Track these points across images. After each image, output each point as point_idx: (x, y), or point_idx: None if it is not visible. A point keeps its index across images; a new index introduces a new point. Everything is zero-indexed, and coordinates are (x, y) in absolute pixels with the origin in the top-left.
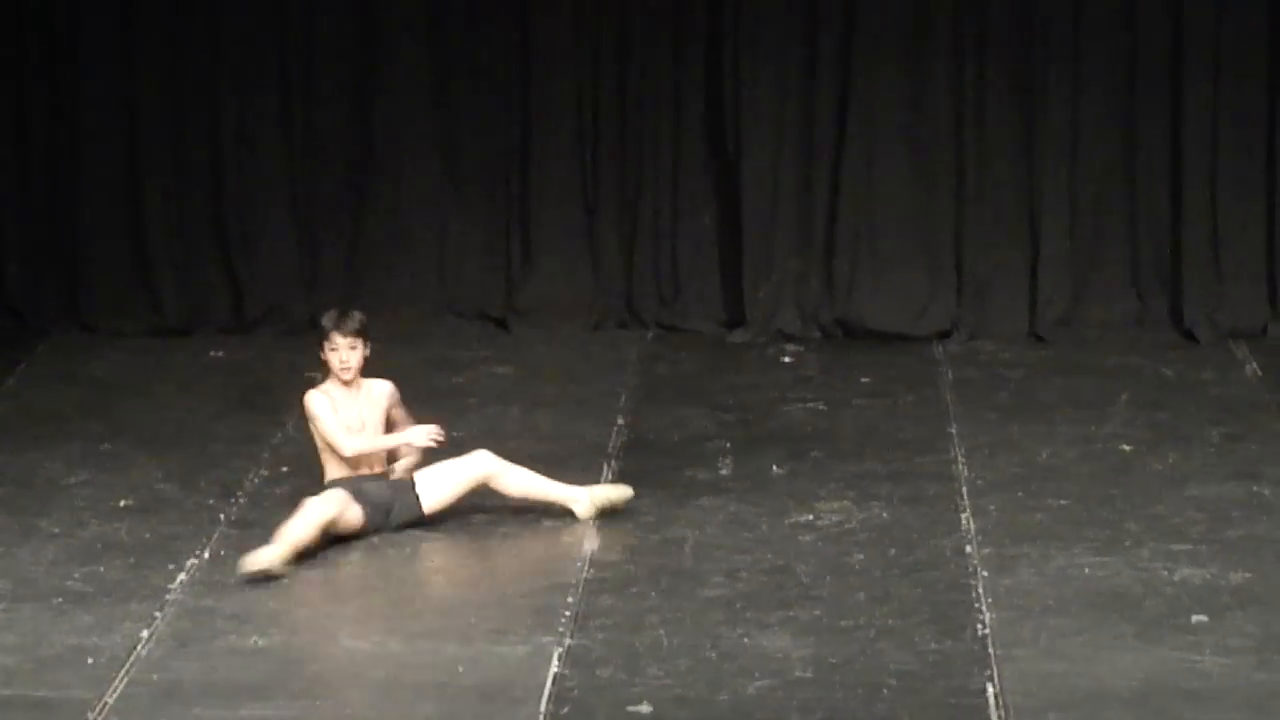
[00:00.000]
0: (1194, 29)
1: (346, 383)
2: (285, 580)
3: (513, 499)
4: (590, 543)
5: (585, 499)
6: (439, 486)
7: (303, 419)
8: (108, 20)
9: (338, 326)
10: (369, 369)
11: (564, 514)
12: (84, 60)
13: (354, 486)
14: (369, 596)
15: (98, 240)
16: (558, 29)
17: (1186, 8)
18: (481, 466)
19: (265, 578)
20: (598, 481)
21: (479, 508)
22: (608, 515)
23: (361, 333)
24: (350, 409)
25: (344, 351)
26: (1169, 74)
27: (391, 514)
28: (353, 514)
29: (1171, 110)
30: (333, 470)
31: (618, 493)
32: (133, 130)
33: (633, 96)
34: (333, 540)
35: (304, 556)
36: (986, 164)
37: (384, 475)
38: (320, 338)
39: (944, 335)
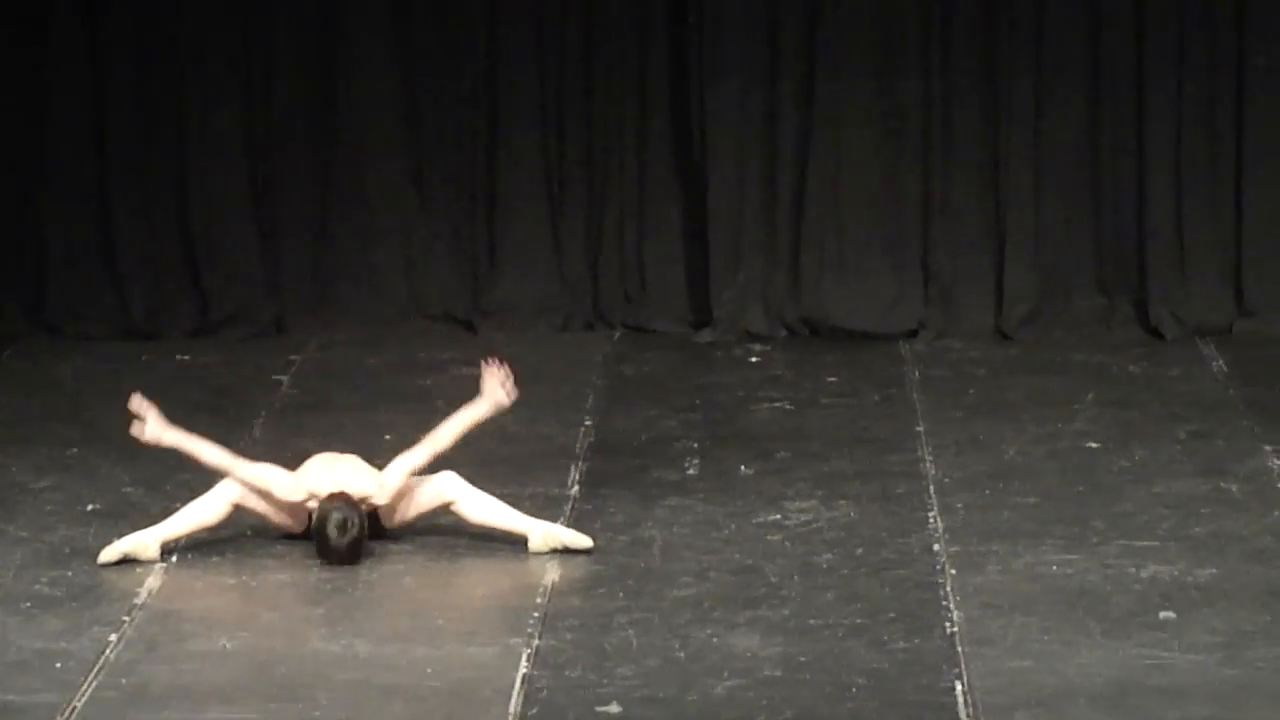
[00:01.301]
0: (1157, 27)
1: None
2: (254, 584)
3: (471, 526)
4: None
5: (540, 533)
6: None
7: None
8: (74, 24)
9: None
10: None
11: (532, 514)
12: (50, 63)
13: None
14: (337, 599)
15: (63, 244)
16: (522, 32)
17: (1149, 7)
18: (446, 490)
19: (128, 561)
20: (565, 486)
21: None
22: (559, 553)
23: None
24: None
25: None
26: (1133, 73)
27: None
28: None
29: (1135, 108)
30: None
31: (574, 539)
32: (98, 133)
33: (598, 98)
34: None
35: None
36: (952, 163)
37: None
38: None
39: (911, 334)
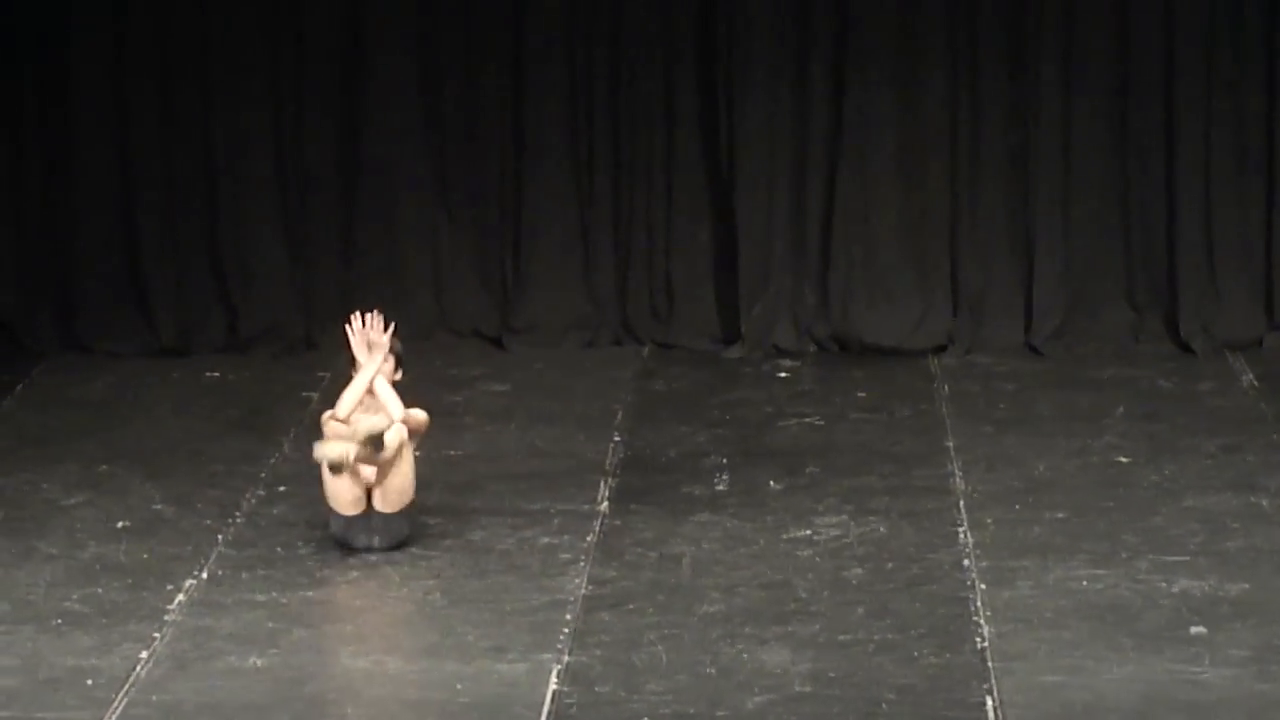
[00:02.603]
0: (1186, 42)
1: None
2: (284, 601)
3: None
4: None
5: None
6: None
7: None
8: (100, 41)
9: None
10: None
11: (561, 531)
12: (76, 81)
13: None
14: (367, 615)
15: (93, 261)
16: (550, 48)
17: (1178, 20)
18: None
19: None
20: (595, 502)
21: (476, 524)
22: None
23: (398, 354)
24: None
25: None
26: (1163, 86)
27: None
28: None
29: (1165, 122)
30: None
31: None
32: (126, 152)
33: (626, 114)
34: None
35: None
36: (980, 178)
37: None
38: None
39: (940, 349)
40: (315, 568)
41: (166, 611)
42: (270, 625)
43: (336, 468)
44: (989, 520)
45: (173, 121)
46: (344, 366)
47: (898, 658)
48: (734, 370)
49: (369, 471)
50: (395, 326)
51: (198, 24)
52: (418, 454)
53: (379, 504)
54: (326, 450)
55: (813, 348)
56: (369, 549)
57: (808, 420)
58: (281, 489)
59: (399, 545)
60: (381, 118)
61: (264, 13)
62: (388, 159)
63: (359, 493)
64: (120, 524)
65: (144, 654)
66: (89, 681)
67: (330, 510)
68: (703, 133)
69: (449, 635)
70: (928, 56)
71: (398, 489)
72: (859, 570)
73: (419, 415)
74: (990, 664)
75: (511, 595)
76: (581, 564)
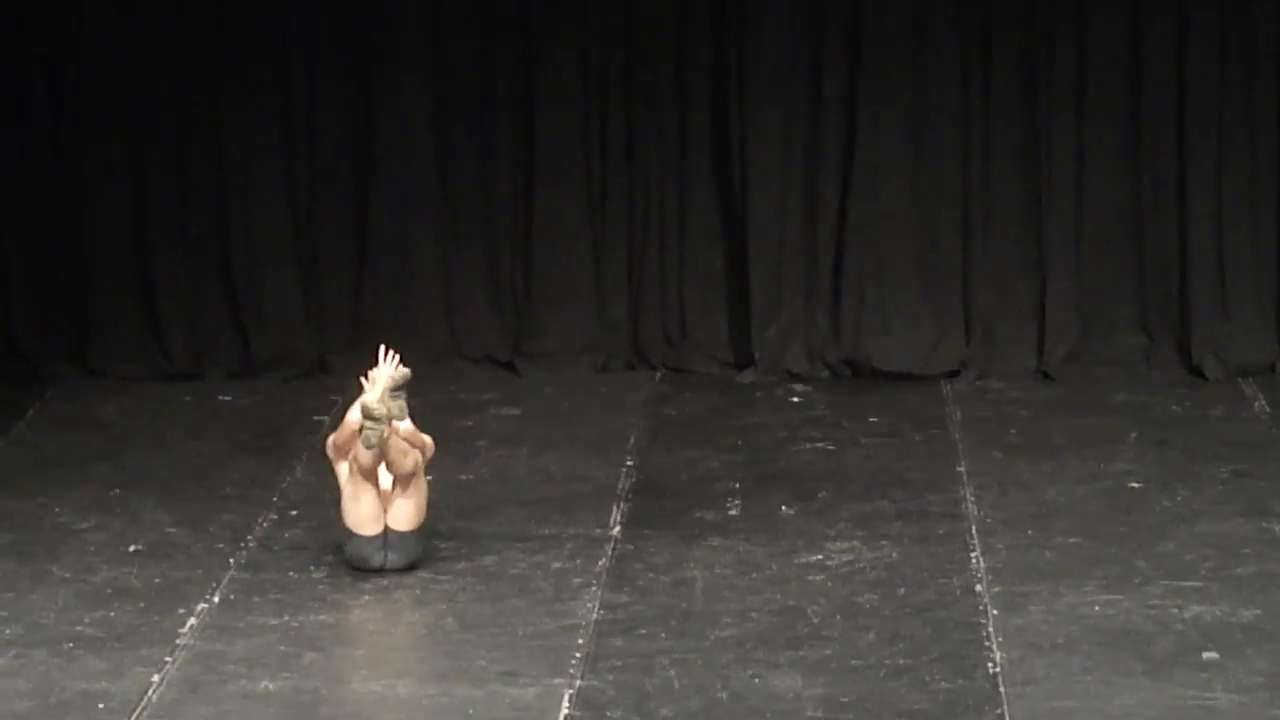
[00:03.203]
0: (1198, 65)
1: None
2: (296, 624)
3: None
4: (594, 612)
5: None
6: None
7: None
8: (114, 68)
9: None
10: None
11: (573, 555)
12: (89, 103)
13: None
14: (379, 639)
15: (105, 285)
16: (561, 69)
17: (1191, 44)
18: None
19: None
20: (607, 526)
21: (488, 548)
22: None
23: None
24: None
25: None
26: (1174, 112)
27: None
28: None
29: (1177, 147)
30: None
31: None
32: (138, 175)
33: (638, 137)
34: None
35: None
36: (992, 203)
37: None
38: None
39: (952, 374)
40: (327, 591)
41: (178, 635)
42: (282, 649)
43: (373, 439)
44: (1001, 545)
45: (186, 146)
46: (356, 392)
47: (909, 683)
48: (746, 395)
49: (397, 454)
50: (402, 357)
51: (212, 52)
52: (428, 478)
53: (395, 522)
54: (370, 412)
55: (825, 372)
56: (383, 569)
57: (820, 445)
58: (294, 513)
59: (413, 565)
60: (393, 143)
61: (277, 39)
62: (399, 183)
63: (379, 509)
64: (132, 548)
65: (156, 678)
66: (100, 706)
67: (348, 532)
68: (715, 157)
69: (461, 660)
70: (941, 81)
71: (415, 506)
72: (871, 595)
73: (425, 437)
74: (1002, 689)
75: (523, 620)
76: (594, 588)
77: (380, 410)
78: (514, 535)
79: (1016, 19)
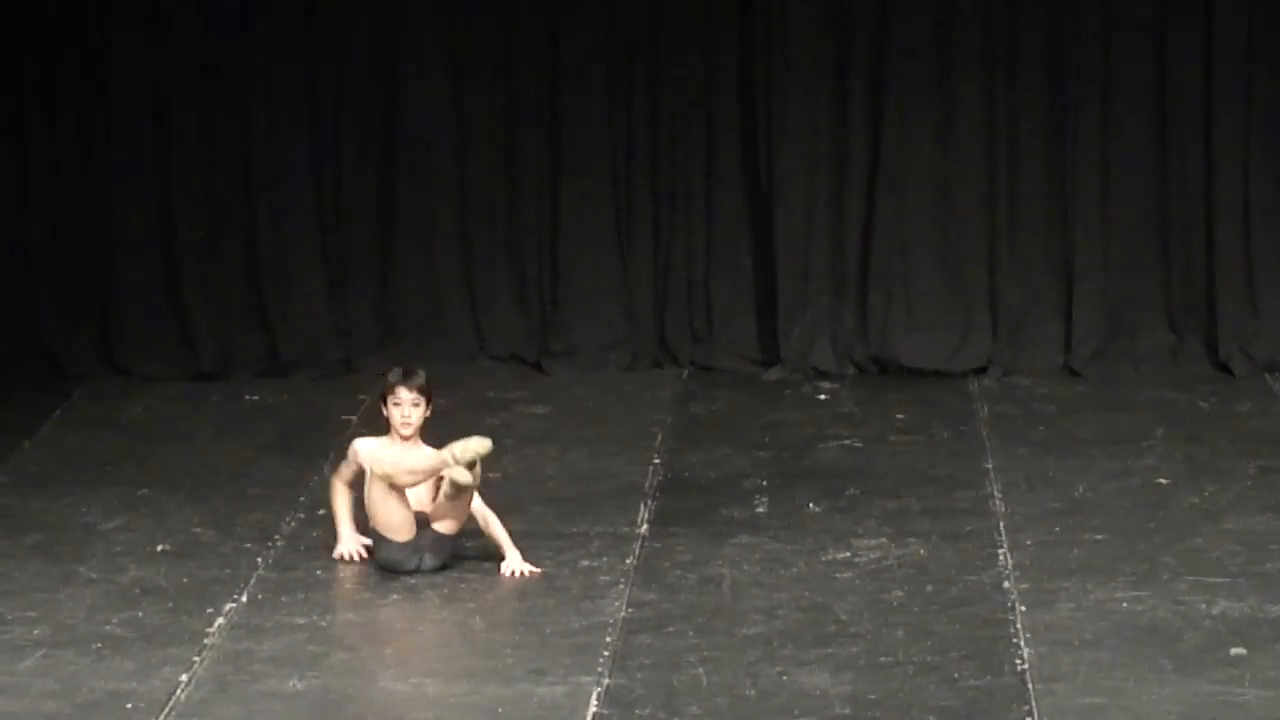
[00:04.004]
0: (1224, 62)
1: (405, 438)
2: (323, 624)
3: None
4: (622, 610)
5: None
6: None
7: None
8: (141, 72)
9: (404, 381)
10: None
11: (601, 553)
12: (116, 107)
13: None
14: (407, 638)
15: (132, 285)
16: (589, 70)
17: (1217, 40)
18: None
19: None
20: (634, 524)
21: (517, 547)
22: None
23: (425, 391)
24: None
25: (406, 407)
26: (1201, 108)
27: (424, 557)
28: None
29: (1203, 143)
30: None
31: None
32: (166, 176)
33: (665, 136)
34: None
35: None
36: (1018, 200)
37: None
38: (384, 392)
39: (979, 371)
40: (355, 590)
41: (206, 635)
42: (310, 648)
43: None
44: (1029, 542)
45: (212, 148)
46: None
47: (938, 680)
48: (773, 392)
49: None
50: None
51: (239, 57)
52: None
53: (439, 525)
54: (465, 464)
55: (852, 370)
56: (418, 570)
57: (847, 442)
58: (321, 512)
59: (445, 565)
60: (418, 143)
61: (303, 43)
62: (425, 183)
63: (411, 515)
64: (160, 547)
65: (184, 677)
66: (128, 705)
67: (382, 539)
68: (742, 155)
69: (489, 658)
70: (966, 80)
71: (462, 513)
72: (899, 592)
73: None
74: (1030, 686)
75: (551, 618)
76: (621, 586)
77: (467, 480)
78: (542, 533)
79: (1042, 18)
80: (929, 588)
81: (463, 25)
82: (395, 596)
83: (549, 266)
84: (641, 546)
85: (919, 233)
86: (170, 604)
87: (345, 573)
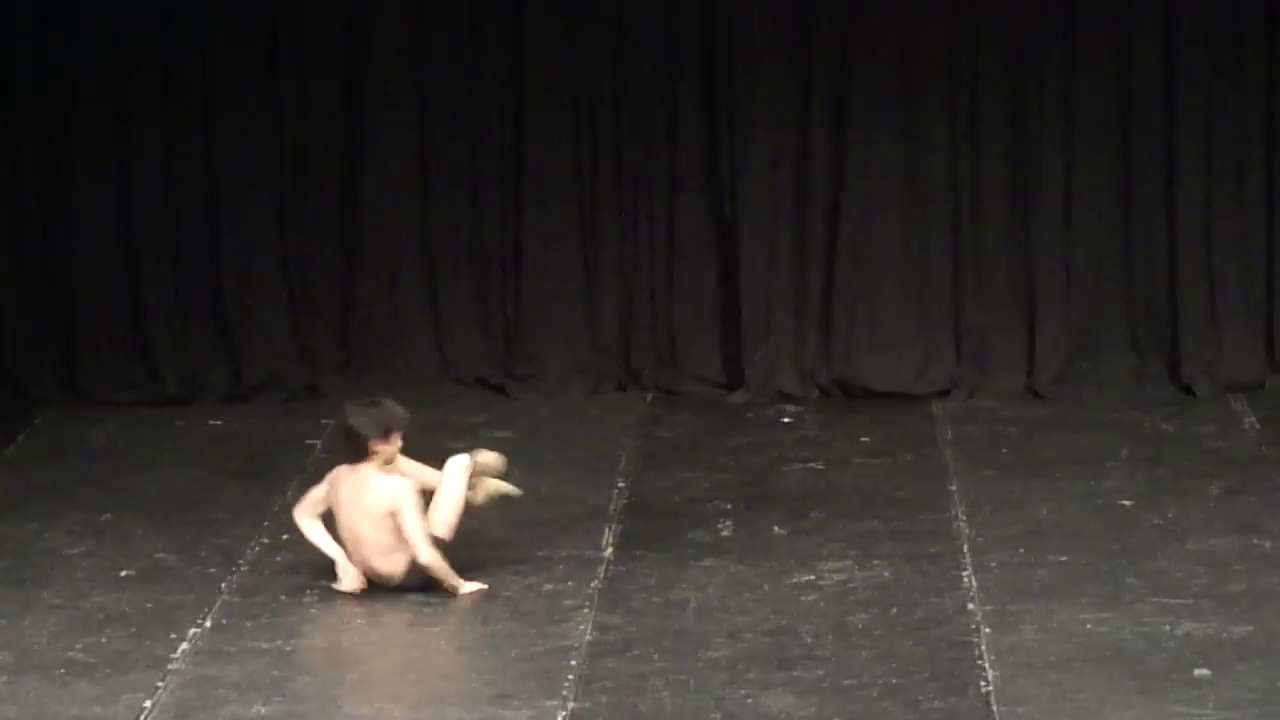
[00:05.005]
0: (1186, 88)
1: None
2: (288, 648)
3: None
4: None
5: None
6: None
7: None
8: (103, 93)
9: (406, 425)
10: None
11: (566, 577)
12: (78, 129)
13: None
14: (371, 663)
15: (95, 310)
16: (552, 93)
17: (1181, 65)
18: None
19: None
20: (599, 548)
21: (481, 570)
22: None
23: None
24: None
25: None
26: (1163, 133)
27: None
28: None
29: (1166, 166)
30: None
31: (509, 488)
32: (128, 200)
33: (629, 161)
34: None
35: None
36: (982, 223)
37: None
38: (383, 429)
39: (943, 394)
40: (320, 615)
41: (170, 660)
42: (275, 673)
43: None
44: (993, 564)
45: (175, 172)
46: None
47: (902, 702)
48: (738, 416)
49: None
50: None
51: (200, 77)
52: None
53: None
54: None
55: (816, 393)
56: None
57: (811, 465)
58: (285, 537)
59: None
60: (381, 167)
61: (265, 64)
62: (388, 207)
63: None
64: (124, 573)
65: (148, 703)
66: None
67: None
68: (706, 179)
69: (453, 682)
70: (929, 104)
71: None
72: (863, 615)
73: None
74: (995, 708)
75: (516, 642)
76: (586, 610)
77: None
78: (506, 557)
79: (1004, 42)
80: (893, 610)
81: (424, 53)
82: (359, 621)
83: (513, 290)
84: (606, 570)
85: (882, 256)
86: (134, 629)
87: (309, 598)
